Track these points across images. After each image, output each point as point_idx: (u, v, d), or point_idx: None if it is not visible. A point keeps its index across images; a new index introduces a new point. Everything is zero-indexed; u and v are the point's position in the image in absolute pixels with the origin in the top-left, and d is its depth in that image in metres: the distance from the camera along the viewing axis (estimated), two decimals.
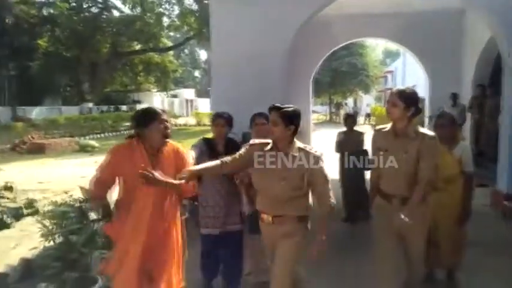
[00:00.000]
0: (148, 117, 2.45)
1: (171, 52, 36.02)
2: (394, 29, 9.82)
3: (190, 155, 2.75)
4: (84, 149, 15.22)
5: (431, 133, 2.73)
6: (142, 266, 2.43)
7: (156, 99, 35.82)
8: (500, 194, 5.63)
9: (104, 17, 28.40)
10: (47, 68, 24.52)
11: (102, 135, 21.22)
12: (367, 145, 4.30)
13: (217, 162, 2.55)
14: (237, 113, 3.47)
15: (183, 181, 2.38)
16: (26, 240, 4.76)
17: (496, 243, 4.51)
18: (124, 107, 29.89)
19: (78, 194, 4.04)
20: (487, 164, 7.26)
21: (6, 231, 3.79)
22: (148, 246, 2.43)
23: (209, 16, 6.47)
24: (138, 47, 30.67)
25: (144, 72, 32.15)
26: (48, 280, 3.31)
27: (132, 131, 2.57)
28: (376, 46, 39.54)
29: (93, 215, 3.72)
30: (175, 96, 41.92)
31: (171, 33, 35.91)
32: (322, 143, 10.58)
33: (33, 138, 16.05)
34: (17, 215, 3.83)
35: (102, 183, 2.48)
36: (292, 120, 2.43)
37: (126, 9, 29.29)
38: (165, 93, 37.94)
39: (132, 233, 2.42)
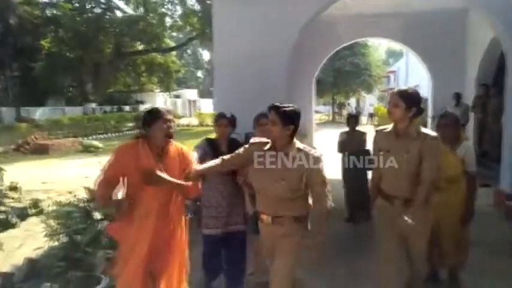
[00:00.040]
0: (152, 117, 2.47)
1: (174, 52, 36.06)
2: (397, 29, 9.81)
3: (194, 156, 2.75)
4: (87, 150, 15.27)
5: (433, 133, 2.72)
6: (147, 266, 2.43)
7: (159, 100, 35.88)
8: (504, 194, 5.61)
9: (107, 17, 28.45)
10: (50, 69, 24.59)
11: (105, 135, 21.27)
12: (370, 145, 4.30)
13: (217, 160, 2.62)
14: (240, 113, 3.46)
15: (189, 182, 2.40)
16: (31, 240, 4.79)
17: (499, 243, 4.50)
18: (127, 108, 29.97)
19: (82, 194, 4.06)
20: (490, 164, 7.24)
21: (11, 231, 3.82)
22: (153, 247, 2.43)
23: (212, 16, 6.50)
24: (141, 47, 30.72)
25: (147, 73, 32.21)
26: (53, 280, 3.33)
27: (136, 131, 2.59)
28: (379, 46, 39.52)
29: (97, 215, 3.75)
30: (178, 96, 41.96)
31: (174, 34, 35.95)
32: (324, 143, 10.58)
33: (36, 138, 16.11)
34: (23, 215, 3.86)
35: (106, 182, 2.47)
36: (291, 120, 2.39)
37: (129, 10, 29.41)
38: (167, 93, 37.98)
39: (138, 233, 2.42)
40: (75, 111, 24.69)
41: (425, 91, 10.94)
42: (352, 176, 5.27)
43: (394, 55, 48.29)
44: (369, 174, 4.74)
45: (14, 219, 3.83)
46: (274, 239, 2.50)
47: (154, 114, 2.48)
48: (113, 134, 21.96)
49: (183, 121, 29.88)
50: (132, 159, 2.44)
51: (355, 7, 8.70)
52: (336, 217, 5.54)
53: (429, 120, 9.99)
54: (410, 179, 2.65)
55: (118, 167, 2.47)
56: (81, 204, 3.82)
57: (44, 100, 26.41)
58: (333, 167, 6.65)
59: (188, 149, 2.77)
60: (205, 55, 58.18)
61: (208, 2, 22.59)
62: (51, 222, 3.74)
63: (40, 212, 3.87)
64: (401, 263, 2.77)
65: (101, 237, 3.50)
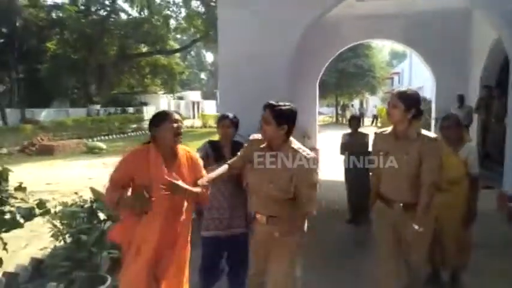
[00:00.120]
0: (160, 118, 2.47)
1: (178, 54, 36.17)
2: (401, 30, 9.82)
3: (201, 162, 2.71)
4: (91, 151, 15.37)
5: (432, 135, 2.70)
6: (151, 268, 2.43)
7: (162, 101, 35.98)
8: (506, 196, 5.60)
9: (112, 19, 28.56)
10: (55, 71, 24.70)
11: (109, 137, 21.37)
12: None
13: (225, 166, 2.61)
14: (244, 115, 3.44)
15: (204, 190, 2.46)
16: (36, 240, 4.84)
17: (501, 245, 4.51)
18: (131, 109, 30.02)
19: (87, 195, 4.09)
20: (493, 166, 7.23)
21: (16, 231, 3.86)
22: (158, 249, 2.42)
23: (216, 18, 6.54)
24: (145, 49, 30.83)
25: (151, 75, 32.28)
26: (58, 279, 3.36)
27: (138, 133, 2.58)
28: (383, 47, 39.45)
29: (102, 215, 3.78)
30: (181, 98, 42.04)
31: (178, 36, 36.08)
32: (328, 144, 10.59)
33: (42, 140, 16.23)
34: (29, 215, 3.89)
35: (114, 185, 2.45)
36: (286, 120, 2.34)
37: (134, 12, 29.54)
38: (171, 95, 38.07)
39: (144, 234, 2.40)
40: (79, 113, 24.79)
41: (429, 93, 10.92)
42: (355, 177, 5.29)
43: (397, 56, 48.19)
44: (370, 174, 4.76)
45: (21, 219, 3.86)
46: (269, 239, 2.45)
47: (162, 115, 2.49)
48: (117, 136, 22.05)
49: (187, 123, 29.90)
50: (141, 162, 2.43)
51: (358, 9, 8.72)
52: (338, 218, 5.57)
53: (432, 122, 9.97)
54: (410, 181, 2.62)
55: (127, 168, 2.45)
56: (86, 205, 3.85)
57: (49, 102, 26.51)
58: (336, 169, 6.68)
59: (193, 151, 2.78)
60: (209, 57, 58.41)
61: (212, 4, 22.70)
62: (57, 222, 3.78)
63: (46, 213, 3.90)
64: (400, 266, 2.76)
65: (106, 237, 3.52)
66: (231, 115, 3.25)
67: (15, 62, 24.84)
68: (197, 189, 2.48)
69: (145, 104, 32.89)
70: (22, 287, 3.62)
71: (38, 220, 4.21)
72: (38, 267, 3.86)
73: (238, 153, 2.64)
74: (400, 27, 9.76)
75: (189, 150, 2.67)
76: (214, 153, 3.16)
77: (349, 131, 5.61)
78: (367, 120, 29.14)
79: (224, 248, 3.22)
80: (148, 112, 29.14)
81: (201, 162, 2.70)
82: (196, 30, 27.54)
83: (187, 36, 36.04)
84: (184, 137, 2.57)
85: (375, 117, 29.01)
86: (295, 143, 2.41)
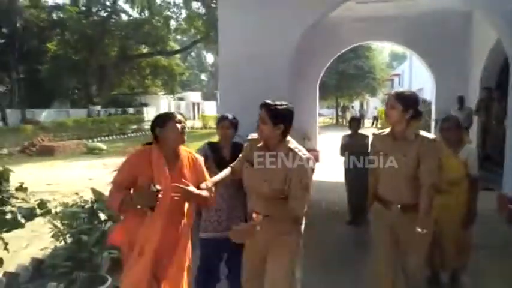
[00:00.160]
0: (165, 118, 2.49)
1: (178, 55, 36.20)
2: (401, 32, 9.85)
3: (203, 164, 2.70)
4: (92, 152, 15.37)
5: (431, 135, 2.68)
6: (152, 269, 2.41)
7: (163, 102, 36.00)
8: (506, 198, 5.61)
9: (113, 20, 28.60)
10: (56, 71, 24.72)
11: (110, 137, 21.38)
12: None
13: (228, 170, 2.61)
14: (245, 116, 3.44)
15: (211, 193, 2.48)
16: (37, 241, 4.85)
17: (501, 247, 4.51)
18: (131, 110, 30.05)
19: (88, 196, 4.11)
20: (493, 168, 7.24)
21: (17, 231, 3.87)
22: (159, 250, 2.42)
23: (216, 19, 6.55)
24: (145, 50, 30.88)
25: (151, 75, 32.31)
26: (58, 279, 3.37)
27: (139, 133, 2.57)
28: (383, 49, 39.46)
29: (103, 216, 3.79)
30: (181, 99, 42.07)
31: (178, 37, 36.14)
32: (328, 146, 10.60)
33: (42, 140, 16.24)
34: (30, 215, 3.90)
35: (117, 186, 2.44)
36: (282, 119, 2.31)
37: (135, 13, 29.58)
38: (172, 96, 38.11)
39: (148, 234, 2.39)
40: (79, 114, 24.79)
41: (430, 94, 10.94)
42: (355, 179, 5.29)
43: (397, 58, 48.22)
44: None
45: (22, 220, 3.86)
46: (266, 239, 2.40)
47: (167, 116, 2.50)
48: (117, 136, 22.04)
49: (187, 124, 29.81)
50: (144, 163, 2.42)
51: (358, 11, 8.75)
52: (338, 220, 5.58)
53: (432, 124, 9.99)
54: (408, 183, 2.61)
55: (130, 170, 2.45)
56: (86, 205, 3.86)
57: (49, 102, 26.53)
58: (336, 170, 6.70)
59: (193, 152, 2.78)
60: (209, 58, 58.50)
61: (213, 5, 22.74)
62: (58, 222, 3.79)
63: (47, 213, 3.91)
64: (397, 268, 2.75)
65: (106, 238, 3.53)
66: (230, 116, 3.24)
67: (16, 63, 24.86)
68: (206, 193, 2.49)
69: (146, 105, 32.92)
70: (23, 287, 3.62)
71: (38, 220, 4.22)
72: (39, 267, 3.86)
73: (240, 156, 2.64)
74: (400, 29, 9.78)
75: (192, 151, 2.67)
76: (213, 154, 3.15)
77: (349, 132, 5.63)
78: (367, 122, 29.18)
79: (223, 250, 3.17)
80: (149, 113, 29.18)
81: (203, 164, 2.68)
82: (197, 31, 27.59)
83: (187, 37, 36.10)
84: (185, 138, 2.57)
85: (375, 118, 29.04)
86: (292, 143, 2.38)
